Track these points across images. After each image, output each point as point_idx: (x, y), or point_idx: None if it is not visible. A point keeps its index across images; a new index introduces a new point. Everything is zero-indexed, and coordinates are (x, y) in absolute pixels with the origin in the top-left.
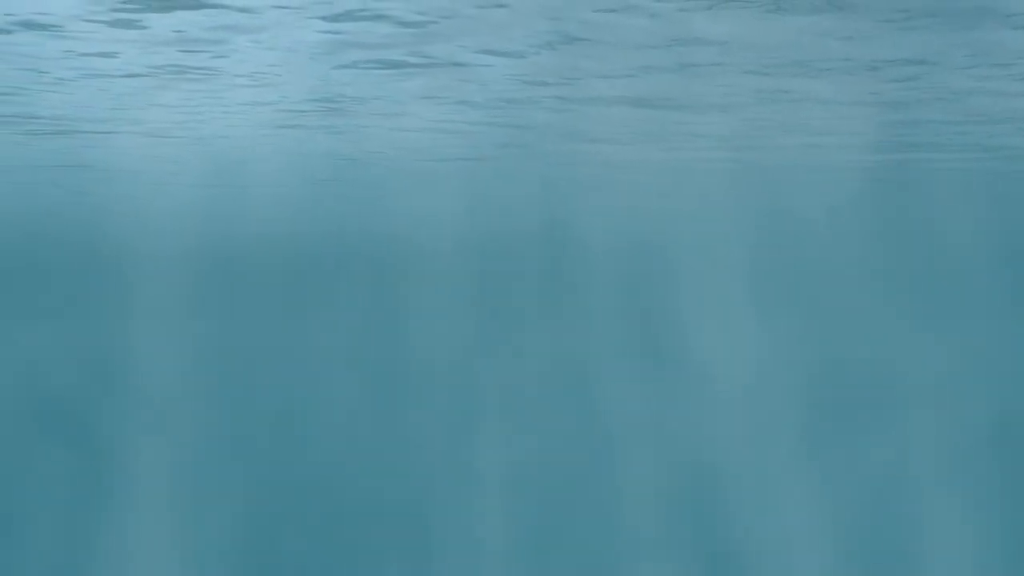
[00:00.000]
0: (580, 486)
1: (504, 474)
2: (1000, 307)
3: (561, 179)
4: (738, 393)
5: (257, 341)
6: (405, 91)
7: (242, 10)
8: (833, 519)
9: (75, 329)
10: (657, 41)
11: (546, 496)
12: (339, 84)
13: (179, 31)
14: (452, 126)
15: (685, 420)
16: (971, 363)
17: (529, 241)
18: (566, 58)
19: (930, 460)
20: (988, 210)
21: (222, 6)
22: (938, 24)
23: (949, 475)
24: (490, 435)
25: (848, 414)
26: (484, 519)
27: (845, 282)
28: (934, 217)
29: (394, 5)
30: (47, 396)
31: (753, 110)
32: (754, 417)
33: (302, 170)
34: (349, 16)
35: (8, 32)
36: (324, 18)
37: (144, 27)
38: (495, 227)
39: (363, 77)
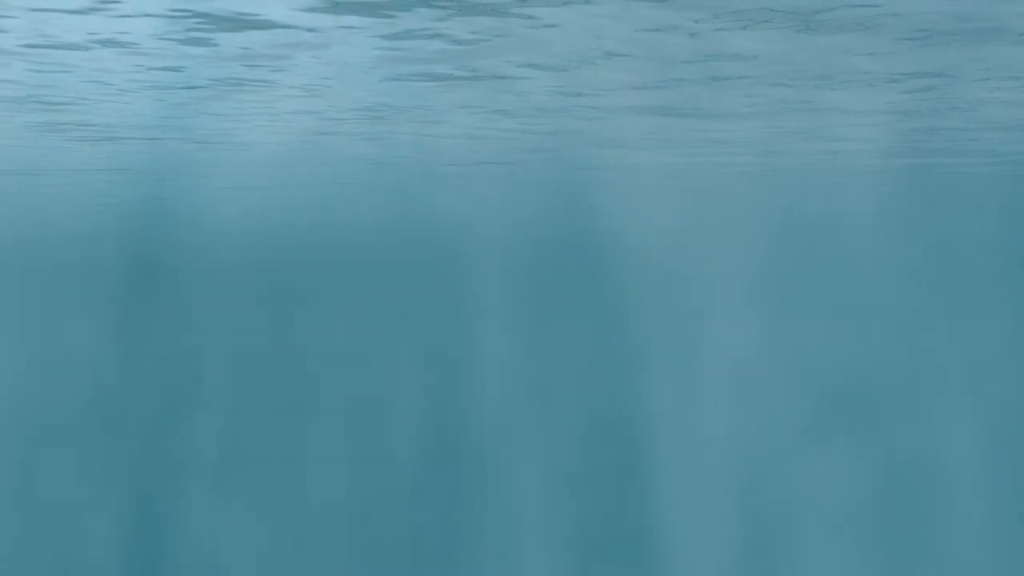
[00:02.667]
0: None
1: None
2: (1010, 306)
3: (586, 182)
4: (765, 392)
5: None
6: (446, 101)
7: (309, 29)
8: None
9: (101, 330)
10: (692, 56)
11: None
12: (384, 95)
13: (245, 47)
14: (485, 132)
15: (718, 419)
16: (984, 362)
17: (554, 241)
18: (603, 71)
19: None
20: (998, 212)
21: (291, 26)
22: (955, 41)
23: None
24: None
25: (874, 410)
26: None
27: (860, 282)
28: (944, 218)
29: (452, 25)
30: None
31: (777, 118)
32: (782, 417)
33: (339, 174)
34: (408, 35)
35: (86, 49)
36: (384, 36)
37: (214, 45)
38: (522, 228)
39: (407, 88)
